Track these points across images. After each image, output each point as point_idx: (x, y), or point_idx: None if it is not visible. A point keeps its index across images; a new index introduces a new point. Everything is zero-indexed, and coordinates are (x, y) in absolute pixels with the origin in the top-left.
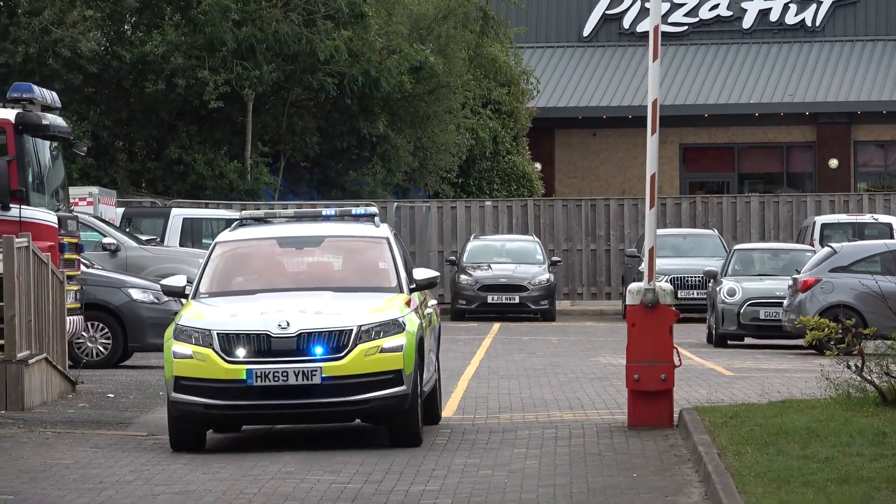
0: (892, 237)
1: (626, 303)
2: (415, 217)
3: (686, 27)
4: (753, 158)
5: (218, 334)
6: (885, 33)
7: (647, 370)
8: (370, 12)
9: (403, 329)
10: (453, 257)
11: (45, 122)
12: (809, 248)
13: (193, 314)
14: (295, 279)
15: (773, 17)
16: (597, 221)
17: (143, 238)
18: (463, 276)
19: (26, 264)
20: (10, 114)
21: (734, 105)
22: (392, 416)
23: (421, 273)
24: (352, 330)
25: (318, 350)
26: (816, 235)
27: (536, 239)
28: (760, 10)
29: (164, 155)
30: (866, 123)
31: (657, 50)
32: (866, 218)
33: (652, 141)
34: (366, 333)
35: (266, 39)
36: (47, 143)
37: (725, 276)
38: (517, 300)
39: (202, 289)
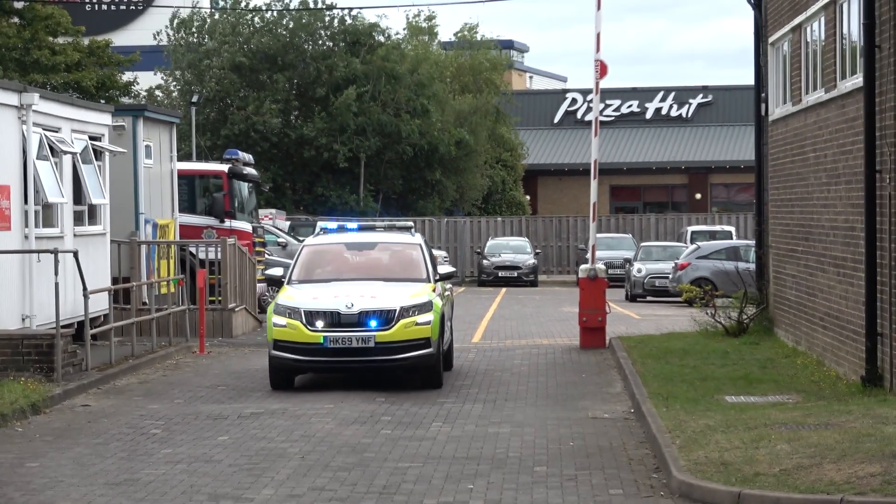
0: (731, 238)
1: (579, 276)
2: (456, 227)
3: (613, 117)
4: (652, 193)
5: (304, 311)
6: (730, 121)
7: (591, 315)
8: (432, 109)
9: (431, 308)
10: (479, 250)
11: (244, 171)
12: (684, 245)
13: (287, 296)
14: (357, 272)
15: (663, 112)
16: (562, 229)
17: (300, 239)
18: (485, 261)
19: (233, 253)
20: (225, 167)
21: (641, 162)
22: (423, 368)
23: (443, 269)
24: (396, 309)
25: (373, 323)
26: (688, 238)
27: (527, 239)
28: (656, 108)
29: (313, 191)
30: (717, 172)
31: (597, 130)
32: (716, 228)
33: (594, 183)
34: (406, 311)
35: (372, 124)
36: (246, 184)
37: (636, 260)
38: (516, 275)
39: (294, 277)
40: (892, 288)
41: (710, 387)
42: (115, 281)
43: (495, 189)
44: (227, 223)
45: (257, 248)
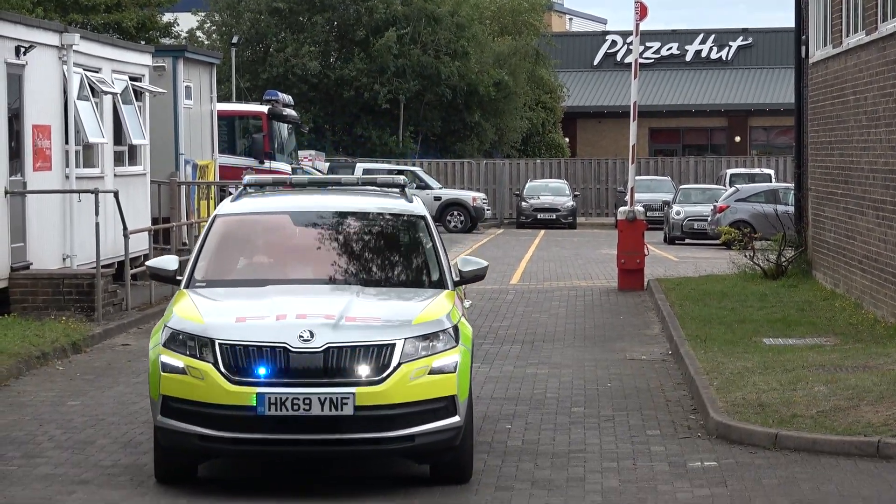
0: (771, 181)
1: (617, 218)
2: (495, 169)
3: (653, 60)
4: (691, 136)
5: (221, 345)
6: (770, 64)
7: (629, 257)
8: (472, 51)
9: (457, 342)
10: (517, 192)
11: (284, 113)
12: (723, 187)
13: (188, 313)
14: (313, 267)
15: (703, 55)
16: (601, 171)
17: None
18: (523, 203)
19: None
20: (265, 108)
21: (680, 105)
22: (441, 453)
23: (468, 263)
24: (394, 344)
25: (352, 371)
26: (727, 180)
27: (565, 181)
28: (696, 51)
29: (352, 133)
30: (757, 115)
31: (636, 73)
32: (755, 170)
33: (633, 125)
34: (411, 349)
35: (412, 66)
36: (285, 125)
37: (674, 203)
38: (554, 217)
39: (198, 275)
40: None
41: (748, 329)
42: (154, 221)
43: (534, 131)
44: (267, 164)
45: None
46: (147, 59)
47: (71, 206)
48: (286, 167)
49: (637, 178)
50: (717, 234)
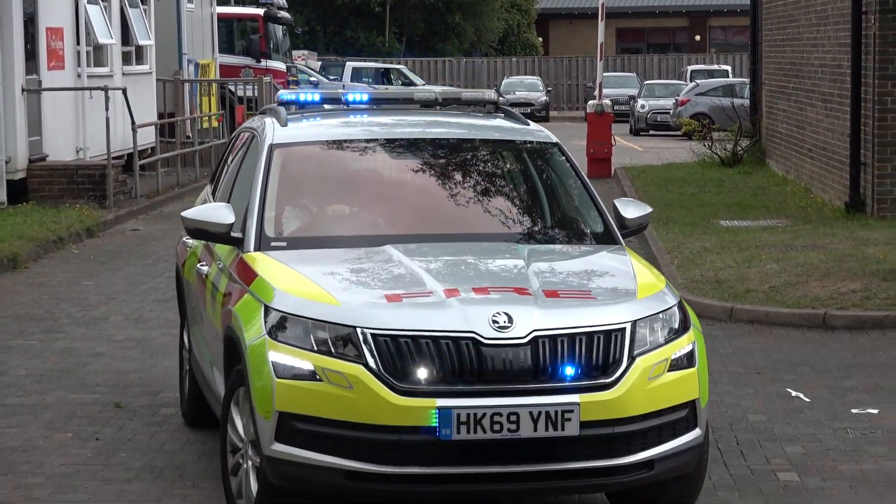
0: (728, 76)
1: (587, 112)
2: (474, 67)
3: None
4: (655, 35)
5: (377, 338)
6: None
7: (598, 147)
8: None
9: (689, 324)
10: (495, 87)
11: (279, 15)
12: (684, 83)
13: (302, 289)
14: (438, 217)
15: None
16: (571, 68)
17: (331, 78)
18: (500, 98)
19: (268, 91)
20: (261, 11)
21: (645, 6)
22: (672, 483)
23: (629, 207)
24: (623, 329)
25: (570, 371)
26: (688, 76)
27: (539, 78)
28: None
29: (342, 34)
30: (716, 16)
31: None
32: (714, 67)
33: (601, 25)
34: (642, 335)
35: None
36: (280, 26)
37: (639, 97)
38: (529, 111)
39: (270, 230)
40: (874, 121)
41: (707, 212)
42: (160, 116)
43: (510, 32)
44: (263, 63)
45: (290, 86)
46: None
47: (83, 103)
48: (281, 66)
49: (605, 74)
50: (678, 125)
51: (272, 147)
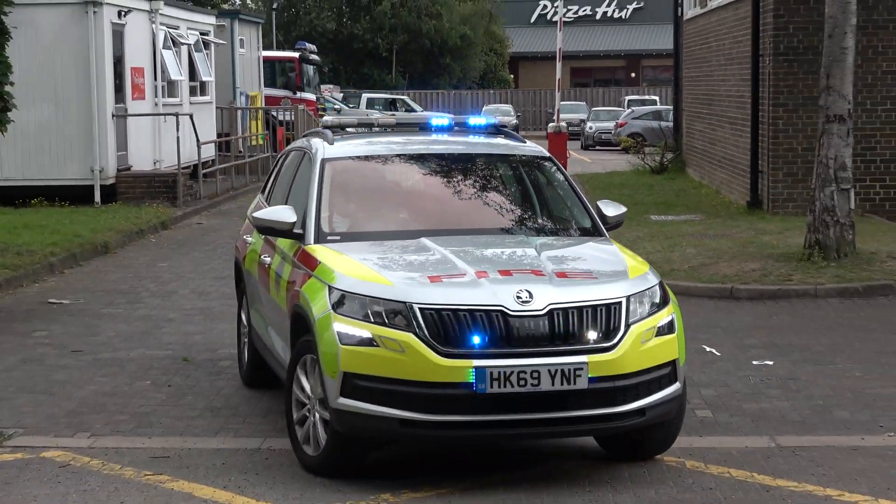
0: (656, 104)
1: (548, 132)
2: (460, 97)
3: (573, 18)
4: (600, 73)
5: (423, 310)
6: (657, 21)
7: (557, 159)
8: (443, 13)
9: (669, 299)
10: (477, 112)
11: (310, 57)
12: (622, 109)
13: (359, 272)
14: (462, 215)
15: (609, 14)
16: (536, 98)
17: (350, 105)
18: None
19: (302, 116)
20: (297, 54)
21: (592, 50)
22: (657, 427)
23: (609, 207)
24: (620, 302)
25: (582, 336)
26: (626, 104)
27: (511, 106)
28: (603, 12)
29: (359, 72)
30: (647, 58)
31: (561, 27)
32: (646, 97)
33: (559, 66)
34: (634, 307)
35: (402, 25)
36: (311, 66)
37: (588, 120)
38: None
39: (325, 226)
40: (769, 139)
41: (640, 209)
42: (219, 136)
43: (489, 70)
44: (298, 94)
45: (319, 112)
46: (212, 20)
47: (159, 125)
48: (312, 96)
49: (561, 103)
50: (618, 142)
51: (324, 161)
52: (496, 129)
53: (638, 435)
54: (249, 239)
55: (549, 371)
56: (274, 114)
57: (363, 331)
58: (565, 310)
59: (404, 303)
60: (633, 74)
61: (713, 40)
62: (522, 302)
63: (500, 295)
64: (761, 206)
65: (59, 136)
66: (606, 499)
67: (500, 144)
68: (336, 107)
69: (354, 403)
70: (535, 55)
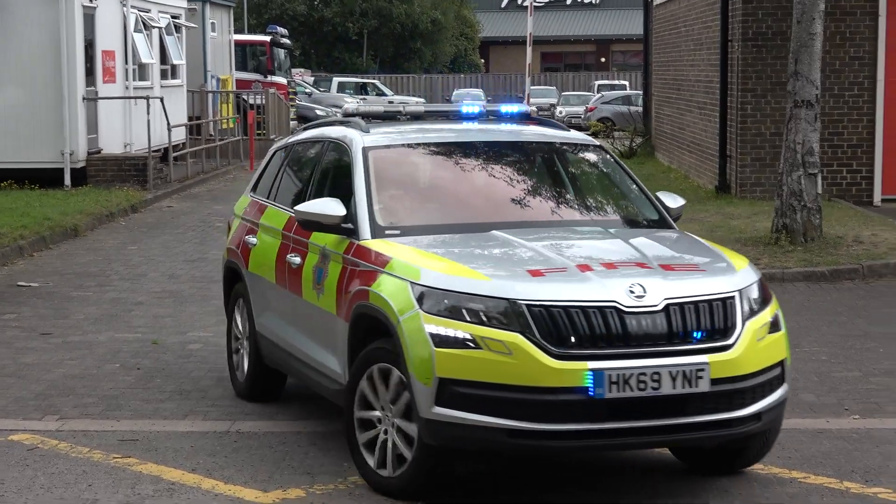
0: (626, 89)
1: None
2: (431, 82)
3: (544, 3)
4: (570, 57)
5: (531, 308)
6: (627, 6)
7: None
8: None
9: (771, 294)
10: (447, 97)
11: (281, 41)
12: (592, 94)
13: (445, 267)
14: (529, 206)
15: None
16: (507, 83)
17: (321, 90)
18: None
19: (273, 100)
20: (268, 38)
21: (563, 35)
22: (758, 435)
23: (670, 198)
24: (733, 297)
25: (698, 334)
26: (596, 89)
27: (481, 90)
28: None
29: (330, 56)
30: (617, 43)
31: (531, 12)
32: (615, 82)
33: (529, 50)
34: (745, 303)
35: (373, 8)
36: (282, 50)
37: (558, 105)
38: None
39: (380, 220)
40: (737, 124)
41: None
42: (190, 119)
43: (459, 55)
44: (269, 78)
45: (290, 96)
46: (183, 3)
47: (130, 108)
48: (283, 80)
49: (532, 87)
50: (588, 126)
51: (366, 150)
52: (528, 117)
53: (739, 444)
54: (253, 240)
55: (671, 373)
56: (245, 97)
57: (461, 331)
58: (681, 305)
59: (508, 299)
60: (602, 59)
61: (683, 26)
62: (637, 297)
63: (611, 289)
64: (729, 191)
65: (30, 119)
66: None
67: (548, 133)
68: (307, 90)
69: (453, 413)
70: (505, 40)
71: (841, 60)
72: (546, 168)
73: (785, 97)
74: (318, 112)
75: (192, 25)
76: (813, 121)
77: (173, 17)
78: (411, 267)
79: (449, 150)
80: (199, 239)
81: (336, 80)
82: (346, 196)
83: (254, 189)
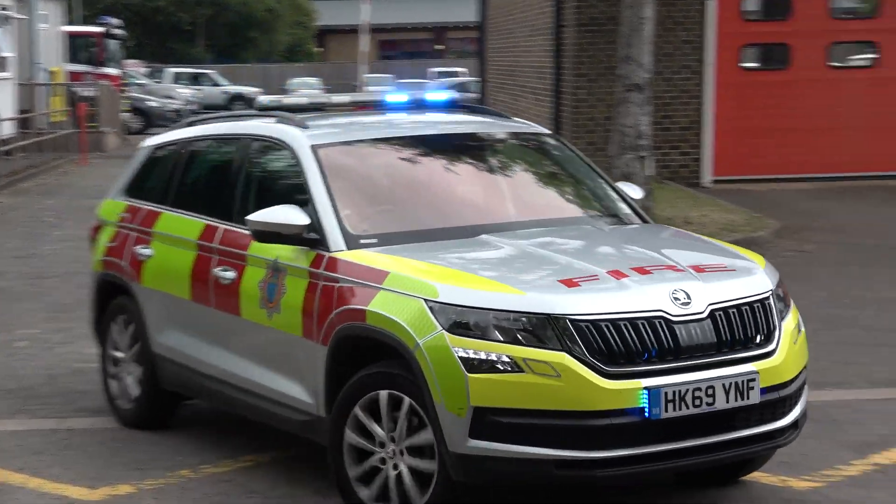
0: (466, 76)
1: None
2: (268, 71)
3: None
4: (407, 45)
5: (576, 323)
6: None
7: None
8: None
9: (788, 293)
10: (283, 86)
11: (114, 32)
12: (428, 81)
13: (465, 281)
14: (507, 207)
15: None
16: (344, 71)
17: (156, 81)
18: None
19: (105, 92)
20: (100, 29)
21: (400, 23)
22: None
23: (630, 189)
24: (769, 297)
25: (744, 341)
26: (432, 76)
27: (319, 79)
28: None
29: (165, 46)
30: (453, 30)
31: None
32: (453, 69)
33: (365, 38)
34: (777, 303)
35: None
36: (115, 41)
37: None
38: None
39: (353, 227)
40: (571, 109)
41: None
42: (19, 112)
43: (296, 44)
44: (100, 70)
45: (122, 88)
46: None
47: None
48: (115, 72)
49: (368, 75)
50: None
51: (315, 148)
52: (456, 105)
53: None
54: (146, 251)
55: (724, 385)
56: (76, 89)
57: (496, 353)
58: (725, 310)
59: (548, 315)
60: (439, 46)
61: (518, 12)
62: (682, 304)
63: (655, 298)
64: None
65: None
66: None
67: (502, 123)
68: (140, 82)
69: (492, 446)
70: (343, 28)
71: (672, 44)
72: (514, 162)
73: (617, 81)
74: (152, 104)
75: (23, 17)
76: (643, 104)
77: (2, 8)
78: (422, 282)
79: (406, 145)
80: (30, 235)
81: (170, 70)
82: (297, 202)
83: (128, 192)
